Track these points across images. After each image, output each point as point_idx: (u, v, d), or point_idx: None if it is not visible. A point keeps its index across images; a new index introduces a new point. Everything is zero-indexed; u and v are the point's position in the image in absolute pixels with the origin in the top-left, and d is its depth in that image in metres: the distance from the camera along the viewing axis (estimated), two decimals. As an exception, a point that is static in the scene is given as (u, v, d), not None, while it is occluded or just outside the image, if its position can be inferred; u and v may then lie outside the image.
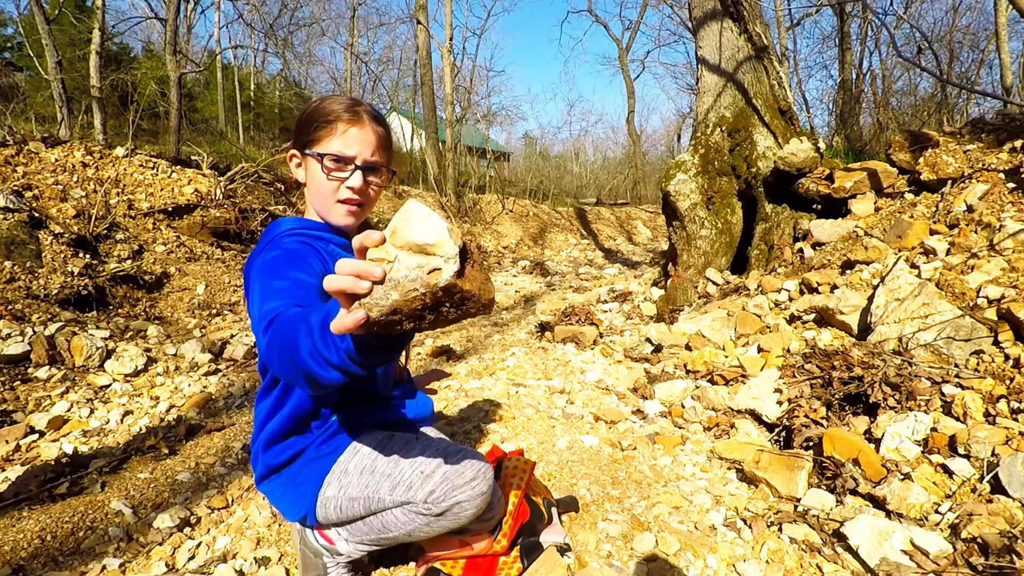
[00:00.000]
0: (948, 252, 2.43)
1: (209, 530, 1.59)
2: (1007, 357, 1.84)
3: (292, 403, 1.13)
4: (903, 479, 1.56)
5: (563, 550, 1.37)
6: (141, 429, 2.26)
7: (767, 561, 1.38)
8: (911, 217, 2.86)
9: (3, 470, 1.91)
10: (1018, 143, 2.91)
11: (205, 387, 2.68)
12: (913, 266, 2.44)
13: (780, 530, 1.48)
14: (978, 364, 1.88)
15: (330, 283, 0.58)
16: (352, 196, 1.09)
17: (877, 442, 1.72)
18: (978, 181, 2.79)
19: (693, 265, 3.86)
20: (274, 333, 0.78)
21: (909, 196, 3.16)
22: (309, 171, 1.11)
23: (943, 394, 1.80)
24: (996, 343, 1.91)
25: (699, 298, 3.70)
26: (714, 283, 3.67)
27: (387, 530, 1.11)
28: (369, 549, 1.21)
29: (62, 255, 3.44)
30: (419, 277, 0.55)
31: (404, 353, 1.43)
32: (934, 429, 1.69)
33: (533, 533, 1.35)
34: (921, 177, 3.10)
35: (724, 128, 3.97)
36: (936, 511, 1.45)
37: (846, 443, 1.70)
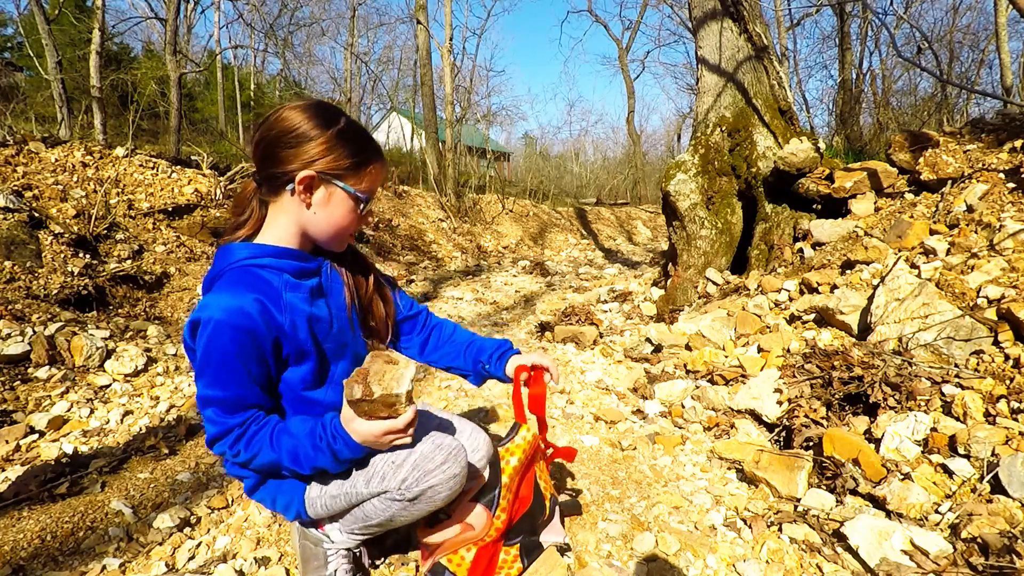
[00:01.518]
0: (948, 252, 2.43)
1: (209, 530, 1.59)
2: (1007, 357, 1.84)
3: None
4: (903, 479, 1.56)
5: (563, 550, 1.37)
6: (141, 429, 2.26)
7: (767, 561, 1.38)
8: (911, 217, 2.86)
9: (3, 470, 1.90)
10: (1018, 143, 2.91)
11: (205, 387, 2.68)
12: (913, 266, 2.43)
13: (780, 530, 1.48)
14: (978, 364, 1.88)
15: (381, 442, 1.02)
16: (360, 226, 1.14)
17: (877, 442, 1.72)
18: (978, 181, 2.79)
19: (693, 265, 3.86)
20: (270, 443, 1.02)
21: (909, 196, 3.16)
22: (329, 201, 1.05)
23: (943, 394, 1.80)
24: (996, 343, 1.91)
25: (699, 298, 3.70)
26: (714, 283, 3.67)
27: (369, 519, 1.15)
28: (362, 537, 1.24)
29: (62, 255, 3.44)
30: (411, 387, 0.99)
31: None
32: (934, 429, 1.69)
33: (533, 531, 1.35)
34: (921, 177, 3.10)
35: (724, 128, 3.97)
36: (936, 511, 1.45)
37: (846, 443, 1.70)
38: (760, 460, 1.73)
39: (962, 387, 1.80)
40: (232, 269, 1.04)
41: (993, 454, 1.53)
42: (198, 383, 1.00)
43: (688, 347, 2.86)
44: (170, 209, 4.60)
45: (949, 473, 1.55)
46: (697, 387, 2.40)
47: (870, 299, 2.35)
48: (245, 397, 1.02)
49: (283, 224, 1.08)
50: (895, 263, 2.48)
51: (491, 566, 1.25)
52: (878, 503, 1.53)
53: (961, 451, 1.59)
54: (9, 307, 2.81)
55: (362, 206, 1.09)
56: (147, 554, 1.47)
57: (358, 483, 1.11)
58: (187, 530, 1.59)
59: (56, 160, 4.42)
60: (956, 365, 1.92)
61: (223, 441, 1.02)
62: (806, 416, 1.91)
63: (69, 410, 2.33)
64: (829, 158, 3.76)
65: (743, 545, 1.45)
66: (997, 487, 1.44)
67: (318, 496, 1.15)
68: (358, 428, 0.98)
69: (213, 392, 0.99)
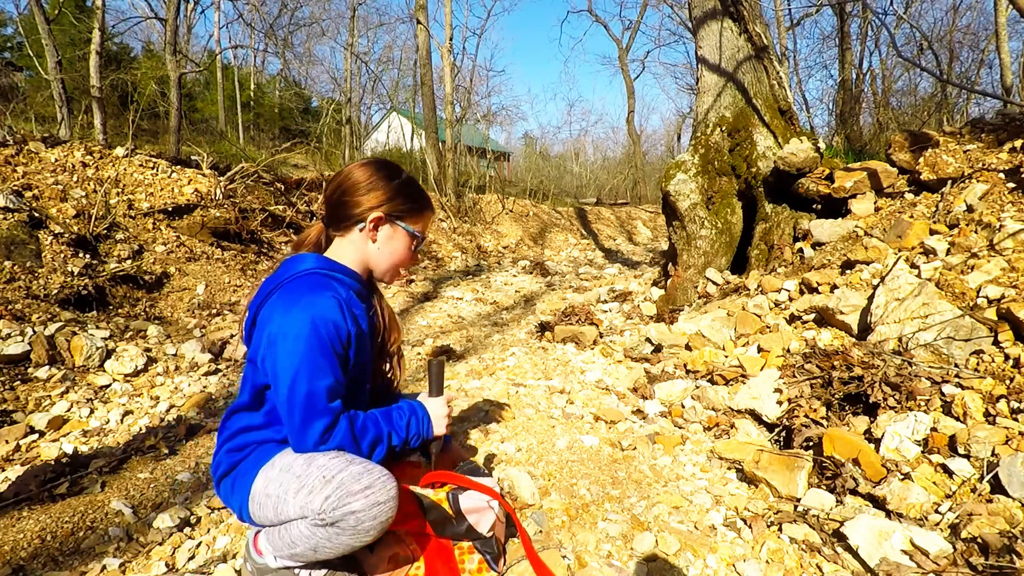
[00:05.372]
0: (948, 252, 2.43)
1: (209, 530, 1.59)
2: (1007, 357, 1.84)
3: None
4: (903, 479, 1.56)
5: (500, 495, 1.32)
6: (141, 429, 2.26)
7: (767, 561, 1.38)
8: (911, 217, 2.86)
9: (3, 470, 1.90)
10: (1018, 143, 2.91)
11: (205, 387, 2.68)
12: (913, 266, 2.43)
13: (780, 530, 1.48)
14: (978, 364, 1.88)
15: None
16: (412, 263, 1.34)
17: (877, 442, 1.72)
18: (978, 181, 2.79)
19: (693, 265, 3.86)
20: (359, 431, 1.14)
21: (909, 196, 3.16)
22: (392, 238, 1.26)
23: (943, 394, 1.80)
24: (996, 343, 1.91)
25: (699, 298, 3.70)
26: (714, 283, 3.67)
27: (295, 545, 1.08)
28: (293, 565, 1.14)
29: (62, 255, 3.44)
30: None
31: (397, 365, 1.44)
32: (934, 429, 1.69)
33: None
34: (921, 177, 3.10)
35: (724, 128, 3.96)
36: (936, 511, 1.45)
37: (846, 443, 1.70)
38: (760, 460, 1.73)
39: (962, 387, 1.80)
40: (309, 274, 1.16)
41: (993, 454, 1.53)
42: (297, 378, 1.05)
43: (688, 347, 2.86)
44: (170, 209, 4.60)
45: (949, 473, 1.55)
46: (697, 387, 2.40)
47: (870, 299, 2.35)
48: (340, 384, 1.11)
49: (348, 253, 1.25)
50: (895, 263, 2.48)
51: (450, 560, 1.24)
52: (878, 503, 1.53)
53: (961, 451, 1.59)
54: (9, 307, 2.81)
55: (416, 244, 1.30)
56: (147, 554, 1.47)
57: (290, 489, 1.05)
58: (187, 530, 1.59)
59: (56, 160, 4.42)
60: (956, 365, 1.92)
61: (335, 430, 1.10)
62: (806, 416, 1.91)
63: (69, 410, 2.33)
64: (829, 158, 3.76)
65: (743, 545, 1.45)
66: (997, 487, 1.44)
67: (261, 488, 1.10)
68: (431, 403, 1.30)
69: (317, 383, 1.07)
